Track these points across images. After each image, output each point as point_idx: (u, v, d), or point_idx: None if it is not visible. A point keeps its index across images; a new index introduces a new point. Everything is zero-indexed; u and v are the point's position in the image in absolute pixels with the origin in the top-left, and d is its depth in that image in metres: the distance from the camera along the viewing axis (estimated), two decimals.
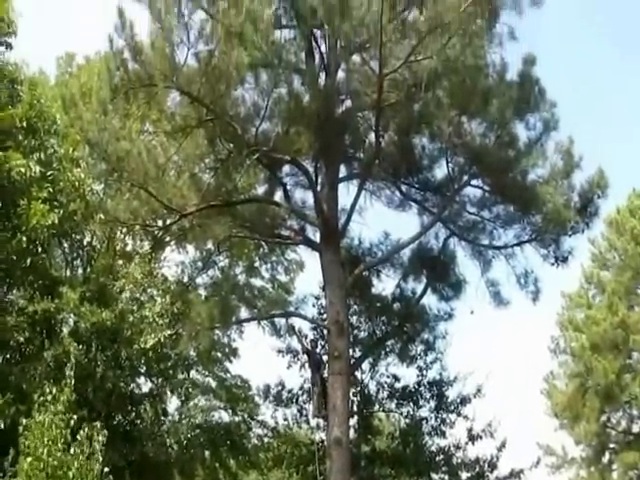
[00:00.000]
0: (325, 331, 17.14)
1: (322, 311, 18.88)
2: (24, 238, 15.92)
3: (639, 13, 39.63)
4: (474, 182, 16.58)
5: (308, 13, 13.62)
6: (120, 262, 19.40)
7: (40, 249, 16.66)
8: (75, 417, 12.11)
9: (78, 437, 11.82)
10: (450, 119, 15.23)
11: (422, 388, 19.67)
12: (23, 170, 15.73)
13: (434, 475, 19.30)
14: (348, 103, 15.59)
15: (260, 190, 17.38)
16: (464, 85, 14.43)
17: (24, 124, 16.72)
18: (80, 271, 19.65)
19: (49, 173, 16.84)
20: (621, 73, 40.39)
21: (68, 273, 19.34)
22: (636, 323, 28.20)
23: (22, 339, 16.87)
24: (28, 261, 16.35)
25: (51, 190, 16.69)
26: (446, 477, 19.25)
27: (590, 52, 39.31)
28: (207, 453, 22.55)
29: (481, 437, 19.19)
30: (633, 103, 38.43)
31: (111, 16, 13.74)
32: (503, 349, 33.90)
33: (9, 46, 17.26)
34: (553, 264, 16.95)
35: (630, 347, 28.44)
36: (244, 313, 23.23)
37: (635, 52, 38.75)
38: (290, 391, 19.91)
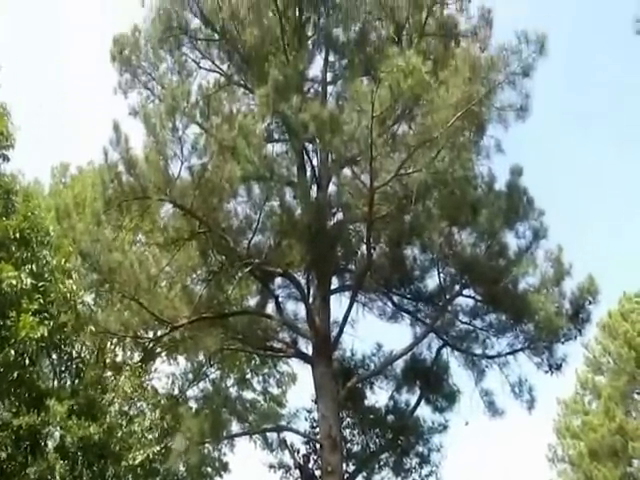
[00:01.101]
0: (318, 445, 16.78)
1: (315, 425, 18.46)
2: (12, 351, 15.74)
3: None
4: (466, 292, 16.57)
5: (300, 128, 13.85)
6: (110, 374, 19.17)
7: (28, 362, 16.41)
8: None
9: None
10: (441, 230, 15.40)
11: None
12: (14, 282, 15.71)
13: None
14: (339, 216, 15.84)
15: (252, 302, 17.37)
16: (454, 197, 14.63)
17: (17, 235, 16.82)
18: (68, 383, 19.32)
19: (40, 284, 16.82)
20: (608, 174, 41.20)
21: (56, 385, 19.01)
22: (635, 429, 27.74)
23: (4, 455, 16.40)
24: (15, 374, 16.10)
25: (42, 302, 16.62)
26: None
27: (576, 154, 40.24)
28: None
29: None
30: (620, 204, 39.06)
31: (106, 128, 14.17)
32: (500, 459, 33.13)
33: (6, 158, 17.61)
34: (547, 372, 16.77)
35: (630, 454, 27.87)
36: (235, 427, 22.69)
37: (618, 151, 39.65)
38: None
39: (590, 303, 16.50)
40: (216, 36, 16.14)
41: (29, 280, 16.16)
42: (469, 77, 12.94)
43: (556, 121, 35.68)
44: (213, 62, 16.89)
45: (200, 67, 16.85)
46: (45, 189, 22.56)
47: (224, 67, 16.92)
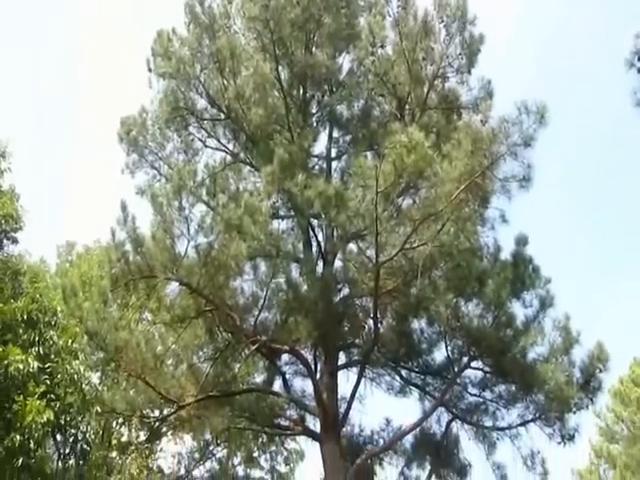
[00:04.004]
0: None
1: None
2: (17, 436, 15.56)
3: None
4: (474, 364, 16.36)
5: (305, 205, 13.96)
6: (115, 454, 18.93)
7: (33, 446, 16.21)
8: None
9: None
10: (447, 302, 15.24)
11: None
12: (21, 366, 15.66)
13: None
14: (346, 291, 15.73)
15: (259, 379, 17.26)
16: (459, 268, 14.63)
17: (25, 317, 16.84)
18: (74, 465, 19.04)
19: (47, 366, 16.75)
20: (614, 237, 41.47)
21: (61, 467, 18.73)
22: None
23: None
24: (20, 461, 15.89)
25: (48, 383, 16.53)
26: None
27: (578, 222, 40.54)
28: None
29: None
30: (627, 270, 39.12)
31: (112, 208, 14.31)
32: None
33: (15, 240, 17.85)
34: (560, 443, 16.46)
35: None
36: None
37: (618, 217, 39.99)
38: None
39: (601, 371, 16.31)
40: (222, 116, 16.37)
41: (36, 363, 16.12)
42: (471, 150, 13.07)
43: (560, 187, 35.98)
44: (219, 141, 17.17)
45: (206, 146, 17.16)
46: (52, 268, 22.68)
47: (230, 146, 17.20)
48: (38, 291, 17.58)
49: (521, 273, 15.72)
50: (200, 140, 17.13)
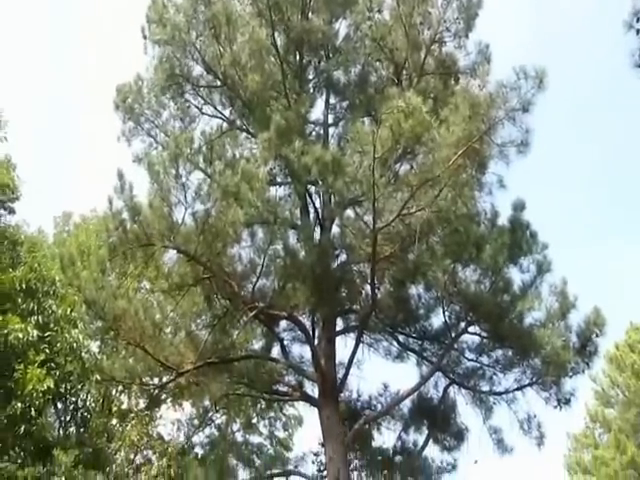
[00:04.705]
0: None
1: (322, 468, 18.29)
2: (19, 404, 15.66)
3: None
4: (471, 329, 16.44)
5: (302, 171, 13.92)
6: (115, 422, 19.07)
7: (35, 414, 16.34)
8: None
9: None
10: (445, 268, 15.31)
11: None
12: (21, 335, 15.71)
13: None
14: (343, 257, 15.75)
15: (257, 345, 17.31)
16: (457, 234, 14.63)
17: (23, 286, 16.86)
18: (74, 432, 19.19)
19: (46, 335, 16.81)
20: (613, 209, 41.48)
21: (62, 434, 18.88)
22: None
23: None
24: (22, 429, 16.03)
25: (48, 351, 16.60)
26: None
27: (576, 186, 40.53)
28: None
29: None
30: (625, 235, 39.16)
31: (109, 176, 14.26)
32: None
33: (12, 210, 17.82)
34: (556, 407, 16.61)
35: None
36: (242, 472, 22.62)
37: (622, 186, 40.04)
38: None
39: (597, 336, 16.40)
40: (218, 82, 16.23)
41: (35, 331, 16.18)
42: (469, 115, 13.02)
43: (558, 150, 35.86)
44: (215, 108, 17.05)
45: (202, 113, 17.05)
46: (49, 238, 22.66)
47: (226, 112, 17.09)
48: (36, 260, 17.58)
49: (518, 238, 15.74)
50: (196, 107, 17.02)
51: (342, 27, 16.86)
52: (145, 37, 16.47)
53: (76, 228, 23.19)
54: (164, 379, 16.77)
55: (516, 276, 16.02)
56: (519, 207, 15.84)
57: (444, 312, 16.32)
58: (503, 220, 15.88)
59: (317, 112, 16.84)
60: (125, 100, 16.69)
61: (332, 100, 17.06)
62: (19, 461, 16.90)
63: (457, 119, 13.06)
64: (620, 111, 37.13)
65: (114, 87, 16.87)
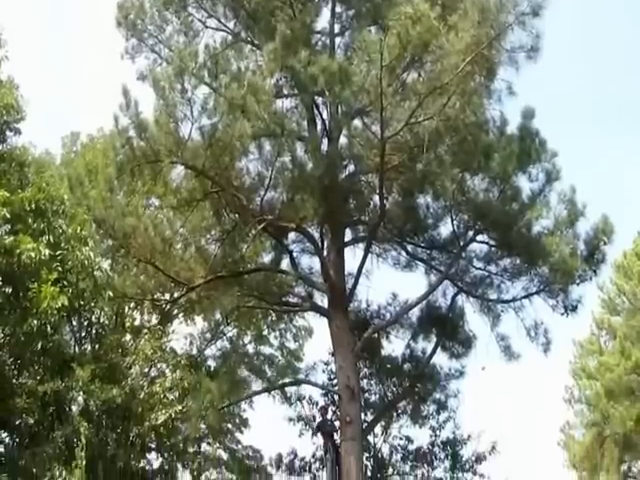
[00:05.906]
0: (336, 397, 17.03)
1: (332, 376, 18.77)
2: (35, 321, 15.91)
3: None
4: (479, 237, 16.58)
5: (309, 82, 13.74)
6: (129, 337, 19.38)
7: (51, 331, 16.63)
8: None
9: None
10: (453, 177, 15.26)
11: (436, 448, 19.48)
12: (33, 254, 15.80)
13: None
14: (351, 168, 15.76)
15: (266, 258, 17.49)
16: (465, 143, 14.52)
17: (33, 207, 16.89)
18: (89, 348, 19.53)
19: (58, 254, 16.91)
20: (621, 117, 40.96)
21: (78, 351, 19.23)
22: None
23: (32, 421, 16.88)
24: (39, 345, 16.34)
25: (60, 270, 16.74)
26: None
27: (586, 94, 39.92)
28: None
29: None
30: (633, 145, 38.74)
31: (113, 94, 14.10)
32: (517, 402, 33.44)
33: (18, 131, 17.71)
34: (563, 314, 16.84)
35: None
36: (254, 383, 23.07)
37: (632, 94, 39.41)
38: (303, 459, 19.62)
39: (605, 244, 16.49)
40: None
41: (47, 251, 16.26)
42: (478, 20, 12.77)
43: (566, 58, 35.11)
44: (219, 20, 16.79)
45: (206, 26, 16.80)
46: (57, 159, 22.56)
47: (230, 25, 16.83)
48: (44, 181, 17.52)
49: (527, 146, 15.65)
50: (200, 21, 16.74)
51: None
52: None
53: (83, 148, 23.03)
54: (175, 294, 17.07)
55: (525, 184, 16.07)
56: (529, 115, 15.64)
57: (452, 221, 16.41)
58: (512, 128, 15.77)
59: (323, 21, 16.58)
60: (127, 16, 16.37)
61: (338, 9, 16.71)
62: (38, 377, 17.29)
63: (466, 25, 12.80)
64: (629, 20, 36.27)
65: (115, 3, 16.54)
